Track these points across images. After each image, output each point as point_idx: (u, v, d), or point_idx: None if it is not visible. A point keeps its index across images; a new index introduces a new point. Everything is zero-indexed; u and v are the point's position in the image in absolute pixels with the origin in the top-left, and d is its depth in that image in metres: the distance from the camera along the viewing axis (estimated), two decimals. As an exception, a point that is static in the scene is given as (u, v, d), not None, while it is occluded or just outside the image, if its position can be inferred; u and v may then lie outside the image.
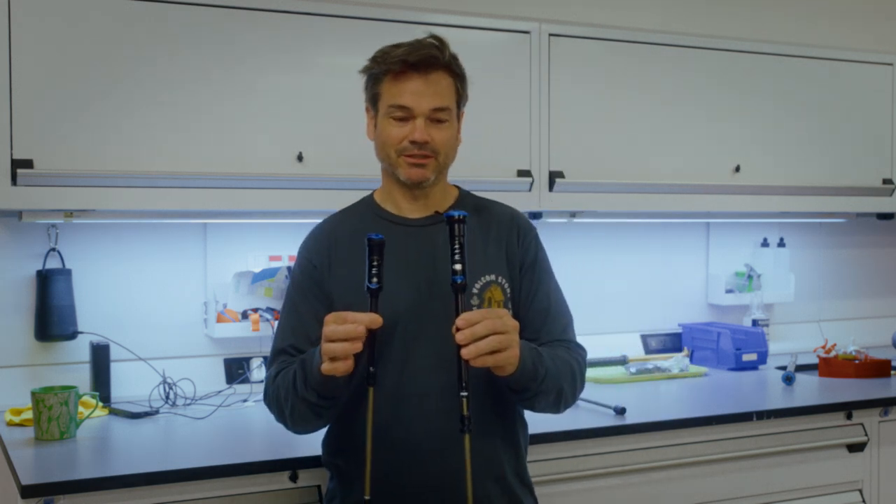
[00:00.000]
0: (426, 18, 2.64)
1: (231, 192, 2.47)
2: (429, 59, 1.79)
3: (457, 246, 1.69)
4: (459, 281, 1.67)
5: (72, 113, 2.31)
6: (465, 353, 1.61)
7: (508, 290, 1.86)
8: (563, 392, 1.81)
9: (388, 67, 1.80)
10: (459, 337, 1.61)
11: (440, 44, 1.82)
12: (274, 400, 1.83)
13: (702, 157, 3.07)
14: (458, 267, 1.67)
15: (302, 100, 2.54)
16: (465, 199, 1.95)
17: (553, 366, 1.77)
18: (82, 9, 2.32)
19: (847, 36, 3.68)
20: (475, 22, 2.73)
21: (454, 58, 1.84)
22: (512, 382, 1.72)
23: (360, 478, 1.71)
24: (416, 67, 1.79)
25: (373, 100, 1.86)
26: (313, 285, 1.87)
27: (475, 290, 1.82)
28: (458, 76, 1.85)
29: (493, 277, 1.85)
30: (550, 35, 2.82)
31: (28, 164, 2.25)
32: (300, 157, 2.52)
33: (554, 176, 2.80)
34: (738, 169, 3.11)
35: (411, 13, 2.65)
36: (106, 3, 2.34)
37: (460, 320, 1.62)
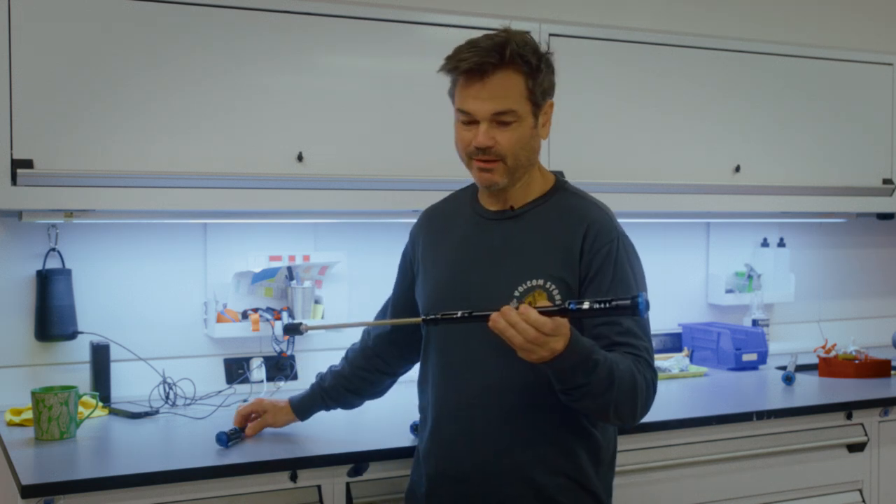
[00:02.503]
0: (426, 18, 2.64)
1: (231, 192, 2.47)
2: (484, 64, 1.76)
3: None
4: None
5: (72, 113, 2.31)
6: (493, 323, 1.59)
7: (557, 297, 1.78)
8: (611, 407, 1.69)
9: (451, 76, 1.82)
10: (506, 314, 1.58)
11: (505, 41, 1.77)
12: None
13: (702, 157, 3.07)
14: None
15: (302, 100, 2.53)
16: (554, 194, 1.89)
17: (601, 381, 1.65)
18: (82, 9, 2.32)
19: (847, 36, 3.68)
20: (475, 22, 2.73)
21: (521, 54, 1.78)
22: (549, 370, 1.66)
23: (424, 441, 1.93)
24: (472, 73, 1.77)
25: (452, 99, 1.87)
26: (404, 263, 2.07)
27: (516, 294, 1.79)
28: (527, 72, 1.79)
29: (539, 282, 1.79)
30: (550, 35, 2.82)
31: (28, 164, 2.25)
32: (300, 157, 2.52)
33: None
34: (738, 169, 3.11)
35: (411, 13, 2.64)
36: (106, 3, 2.34)
37: (524, 310, 1.57)
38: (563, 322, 1.59)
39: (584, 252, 1.81)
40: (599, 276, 1.80)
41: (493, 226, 1.88)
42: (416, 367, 2.06)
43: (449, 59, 1.81)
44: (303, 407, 2.25)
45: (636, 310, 1.59)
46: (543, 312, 1.59)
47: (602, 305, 1.60)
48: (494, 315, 1.60)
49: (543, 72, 1.82)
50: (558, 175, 1.97)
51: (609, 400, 1.68)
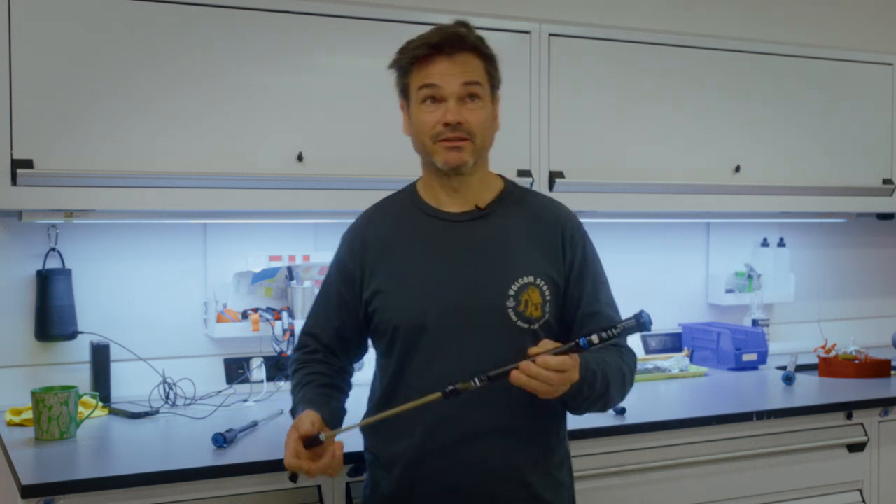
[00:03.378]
0: (426, 18, 2.63)
1: (231, 192, 2.47)
2: (453, 38, 1.78)
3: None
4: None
5: (72, 113, 2.31)
6: (515, 380, 1.63)
7: (548, 293, 1.82)
8: (609, 402, 1.82)
9: (413, 54, 1.79)
10: (526, 370, 1.62)
11: (466, 26, 1.81)
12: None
13: (702, 157, 3.07)
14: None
15: (302, 100, 2.54)
16: (511, 192, 1.91)
17: (600, 385, 1.75)
18: (82, 9, 2.32)
19: (847, 36, 3.68)
20: (475, 22, 2.69)
21: (481, 39, 1.82)
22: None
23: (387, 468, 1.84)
24: (440, 49, 1.77)
25: (404, 91, 1.85)
26: (341, 284, 1.92)
27: (511, 293, 1.79)
28: (487, 57, 1.82)
29: (531, 279, 1.81)
30: (550, 35, 2.82)
31: (28, 164, 2.25)
32: (300, 157, 2.52)
33: (554, 176, 2.80)
34: (738, 169, 3.11)
35: (411, 13, 2.64)
36: (106, 3, 2.34)
37: (541, 360, 1.61)
38: (576, 356, 1.67)
39: (565, 249, 1.86)
40: (581, 272, 1.87)
41: (461, 227, 1.85)
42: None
43: (405, 48, 1.82)
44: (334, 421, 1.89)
45: (644, 327, 1.65)
46: (557, 353, 1.63)
47: (609, 334, 1.65)
48: (514, 374, 1.63)
49: (496, 63, 1.85)
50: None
51: (607, 399, 1.80)
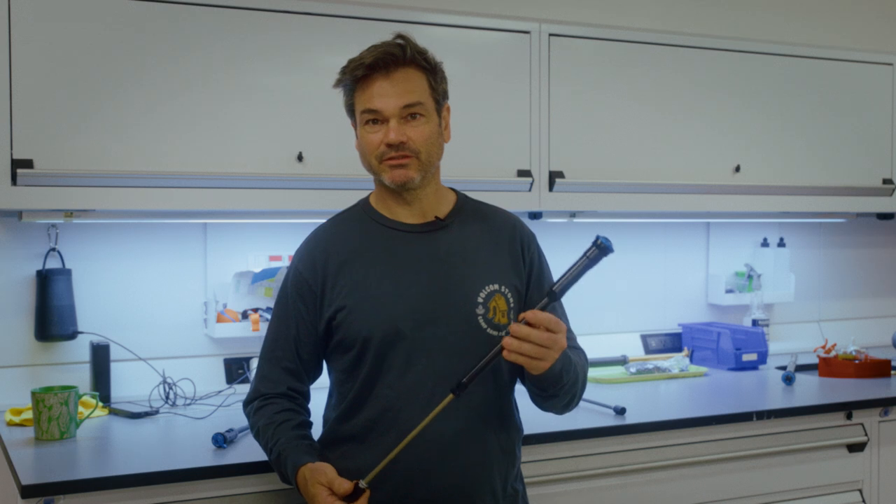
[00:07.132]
0: (426, 18, 2.64)
1: (231, 192, 2.47)
2: (387, 56, 1.77)
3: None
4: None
5: (72, 113, 2.31)
6: (507, 342, 1.63)
7: (511, 301, 1.84)
8: (575, 398, 1.85)
9: (352, 75, 1.80)
10: (517, 331, 1.63)
11: (403, 41, 1.79)
12: (254, 433, 1.90)
13: (702, 157, 3.07)
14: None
15: (302, 100, 2.54)
16: (464, 204, 1.92)
17: (573, 374, 1.79)
18: (82, 9, 2.32)
19: (847, 36, 3.69)
20: (475, 22, 2.73)
21: (420, 52, 1.80)
22: (535, 379, 1.74)
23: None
24: (376, 68, 1.77)
25: (350, 111, 1.86)
26: (300, 301, 1.86)
27: (480, 300, 1.80)
28: (428, 70, 1.81)
29: (496, 287, 1.82)
30: (550, 35, 2.82)
31: (28, 164, 2.25)
32: (300, 157, 2.52)
33: (554, 176, 2.80)
34: (738, 169, 3.11)
35: (411, 13, 2.64)
36: (106, 3, 2.35)
37: (531, 315, 1.63)
38: (562, 322, 1.68)
39: (524, 256, 1.89)
40: (539, 279, 1.90)
41: (423, 238, 1.84)
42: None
43: (345, 67, 1.82)
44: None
45: (605, 249, 1.66)
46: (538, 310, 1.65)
47: (574, 270, 1.66)
48: (506, 340, 1.64)
49: (440, 74, 1.84)
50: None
51: (575, 393, 1.82)
